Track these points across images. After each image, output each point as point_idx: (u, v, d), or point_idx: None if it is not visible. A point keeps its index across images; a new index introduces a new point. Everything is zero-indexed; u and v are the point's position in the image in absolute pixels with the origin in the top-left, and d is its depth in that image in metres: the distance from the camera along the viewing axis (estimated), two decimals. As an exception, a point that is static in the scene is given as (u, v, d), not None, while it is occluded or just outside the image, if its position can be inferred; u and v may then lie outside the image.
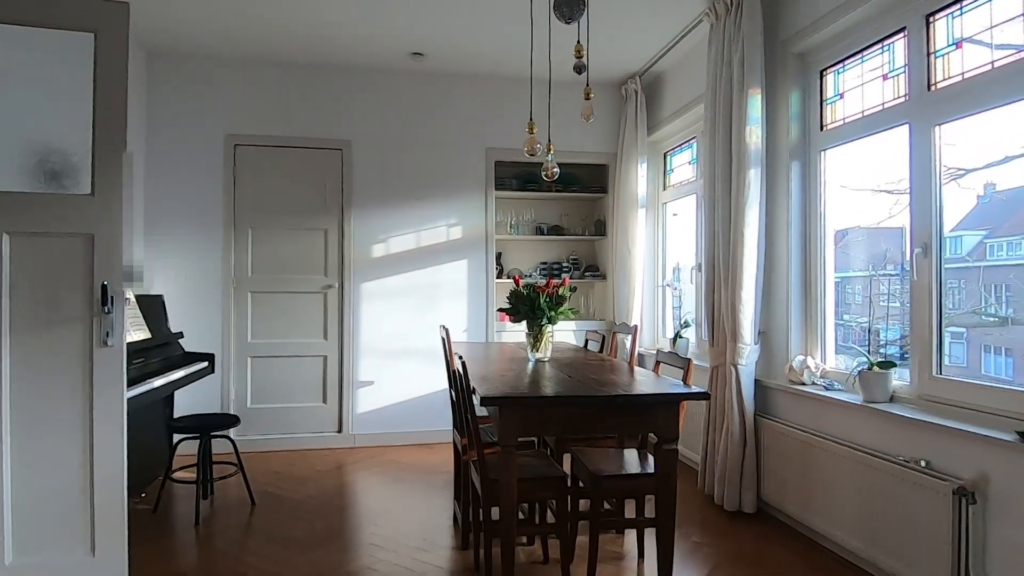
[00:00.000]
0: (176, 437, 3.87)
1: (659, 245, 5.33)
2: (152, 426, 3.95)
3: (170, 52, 4.70)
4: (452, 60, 4.88)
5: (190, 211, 4.78)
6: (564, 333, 5.24)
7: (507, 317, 3.48)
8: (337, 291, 5.00)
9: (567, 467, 3.03)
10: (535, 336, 3.30)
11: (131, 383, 3.41)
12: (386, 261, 5.06)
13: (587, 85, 3.28)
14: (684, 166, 5.02)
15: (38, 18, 2.42)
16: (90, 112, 2.47)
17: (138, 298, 4.02)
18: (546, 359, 3.30)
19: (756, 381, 3.57)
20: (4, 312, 2.35)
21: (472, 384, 2.47)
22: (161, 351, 3.97)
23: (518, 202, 5.52)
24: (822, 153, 3.39)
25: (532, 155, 3.31)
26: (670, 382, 2.63)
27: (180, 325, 4.65)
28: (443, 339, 3.58)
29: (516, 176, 5.39)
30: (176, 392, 4.43)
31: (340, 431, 4.98)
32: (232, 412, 4.83)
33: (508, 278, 5.33)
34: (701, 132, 4.21)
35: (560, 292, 3.26)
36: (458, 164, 5.17)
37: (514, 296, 3.28)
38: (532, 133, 3.33)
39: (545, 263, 5.59)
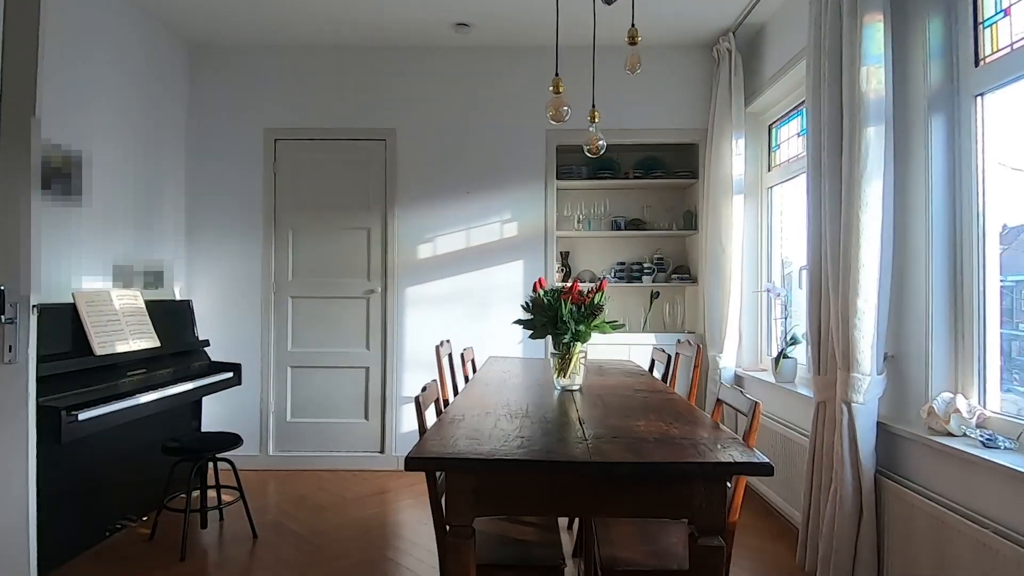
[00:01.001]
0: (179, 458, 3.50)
1: (763, 240, 4.31)
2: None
3: (211, 44, 4.43)
4: (503, 30, 4.19)
5: (229, 211, 4.48)
6: (642, 348, 4.38)
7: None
8: (380, 296, 4.49)
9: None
10: (561, 357, 2.53)
11: (117, 397, 3.07)
12: (432, 263, 4.47)
13: (632, 25, 2.49)
14: (793, 139, 3.99)
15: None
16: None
17: (158, 303, 3.72)
18: (574, 388, 2.53)
19: (879, 425, 2.56)
20: None
21: (426, 428, 1.78)
22: (174, 361, 3.63)
23: (589, 193, 4.72)
24: (977, 99, 2.33)
25: (557, 121, 2.57)
26: (724, 438, 1.78)
27: (216, 332, 4.37)
28: (456, 357, 2.92)
29: (586, 163, 4.60)
30: (208, 406, 4.14)
31: (382, 451, 4.46)
32: (270, 426, 4.47)
33: (581, 282, 4.56)
34: (804, 87, 3.21)
35: (593, 300, 2.47)
36: (513, 151, 4.47)
37: (532, 305, 2.54)
38: (559, 92, 2.58)
39: (623, 263, 4.74)
